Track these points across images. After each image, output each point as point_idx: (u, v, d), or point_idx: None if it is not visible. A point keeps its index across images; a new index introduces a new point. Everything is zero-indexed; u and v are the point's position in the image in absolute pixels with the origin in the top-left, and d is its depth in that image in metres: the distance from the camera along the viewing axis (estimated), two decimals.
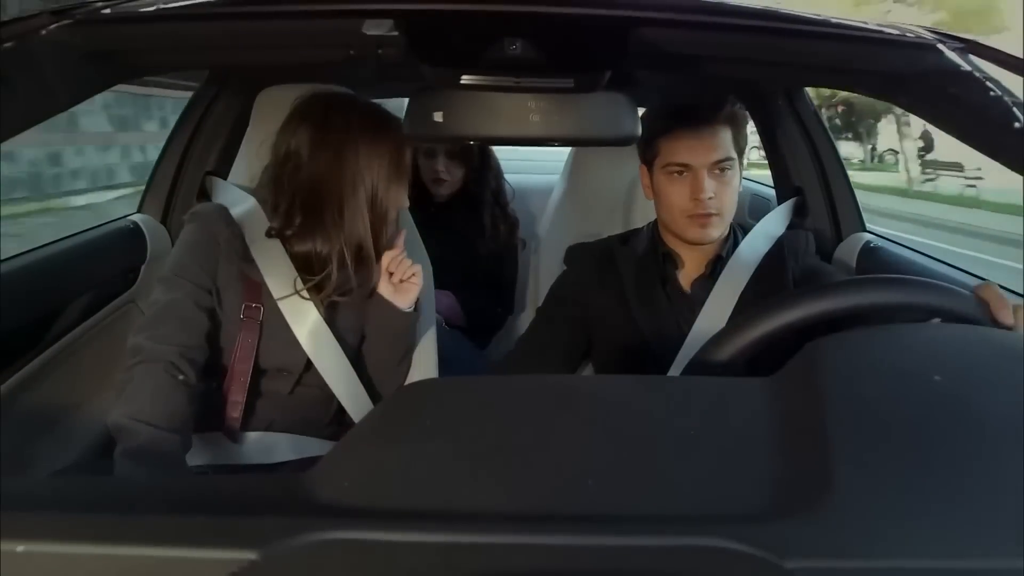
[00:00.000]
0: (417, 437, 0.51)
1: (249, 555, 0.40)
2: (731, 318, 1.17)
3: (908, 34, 0.79)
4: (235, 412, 1.13)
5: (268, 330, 1.13)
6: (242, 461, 1.13)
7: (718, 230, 1.21)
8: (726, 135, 1.21)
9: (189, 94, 1.73)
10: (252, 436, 1.15)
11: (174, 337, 1.06)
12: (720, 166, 1.19)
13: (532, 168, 2.68)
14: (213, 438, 1.13)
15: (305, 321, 1.14)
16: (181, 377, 1.04)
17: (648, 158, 1.25)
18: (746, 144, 1.26)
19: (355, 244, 1.16)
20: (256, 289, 1.13)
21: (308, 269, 1.15)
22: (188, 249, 1.13)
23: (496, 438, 0.50)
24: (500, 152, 2.11)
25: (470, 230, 1.93)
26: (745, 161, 1.27)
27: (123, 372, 1.05)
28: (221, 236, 1.13)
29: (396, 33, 0.79)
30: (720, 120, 1.20)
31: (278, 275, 1.13)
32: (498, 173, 2.03)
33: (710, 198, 1.18)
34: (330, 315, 1.17)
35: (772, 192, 1.90)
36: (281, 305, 1.13)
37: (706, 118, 1.20)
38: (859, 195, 1.66)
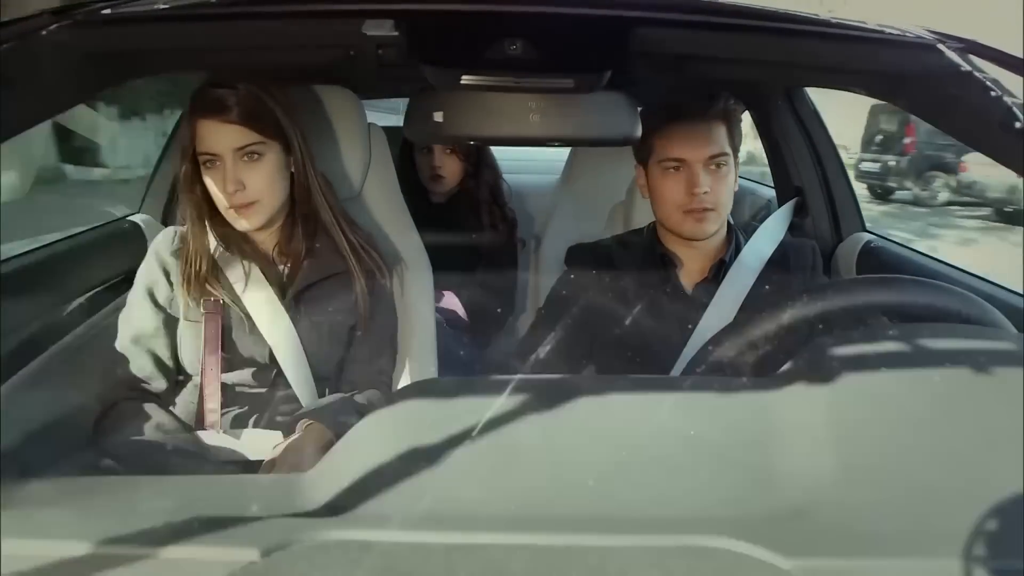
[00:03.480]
0: (416, 438, 0.51)
1: (249, 555, 0.40)
2: (733, 320, 1.17)
3: (908, 34, 0.79)
4: (212, 403, 1.15)
5: (230, 321, 1.16)
6: (230, 458, 1.13)
7: (714, 225, 1.21)
8: (720, 130, 1.20)
9: None
10: (241, 432, 1.15)
11: (142, 372, 1.15)
12: (715, 161, 1.19)
13: (532, 168, 2.68)
14: (204, 436, 1.14)
15: (264, 311, 1.16)
16: (155, 401, 1.14)
17: (643, 156, 1.25)
18: (740, 142, 1.26)
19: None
20: (215, 285, 1.16)
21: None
22: (140, 278, 1.20)
23: (496, 438, 0.50)
24: (500, 152, 2.10)
25: (469, 229, 1.93)
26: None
27: (103, 408, 1.13)
28: (167, 257, 1.19)
29: (396, 34, 0.79)
30: (714, 115, 1.20)
31: (236, 269, 1.17)
32: (495, 171, 2.02)
33: (705, 192, 1.18)
34: (293, 305, 1.18)
35: (761, 188, 1.90)
36: (241, 294, 1.16)
37: (700, 113, 1.20)
38: None
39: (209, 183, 1.13)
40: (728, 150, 1.21)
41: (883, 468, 0.47)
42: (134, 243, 1.55)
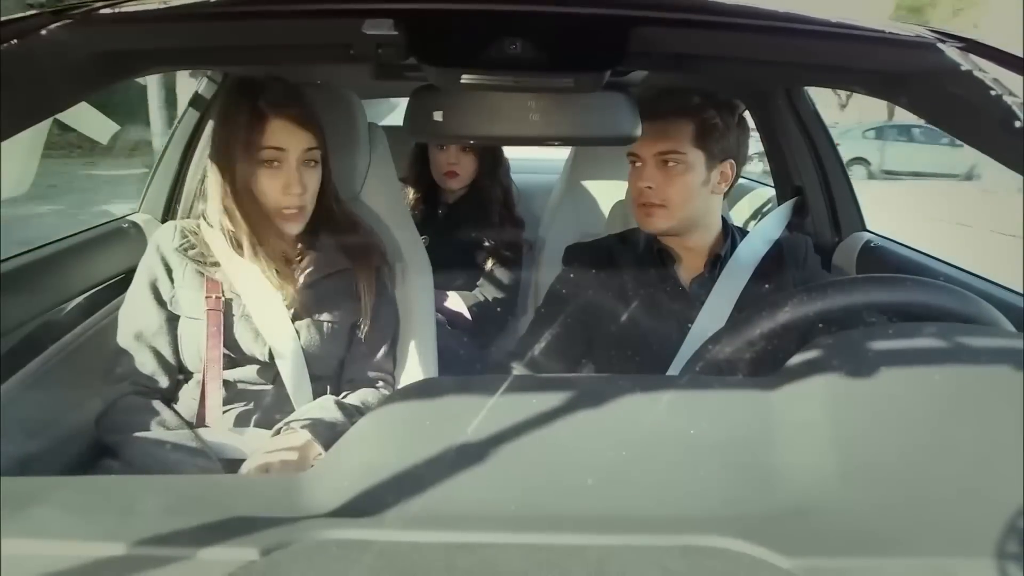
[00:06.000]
0: (417, 437, 0.51)
1: (248, 555, 0.40)
2: (730, 317, 1.18)
3: (908, 34, 0.79)
4: (215, 400, 1.14)
5: (231, 317, 1.16)
6: (232, 456, 1.13)
7: (663, 221, 1.21)
8: (681, 128, 1.19)
9: None
10: (244, 431, 1.15)
11: (144, 369, 1.15)
12: (664, 157, 1.19)
13: (533, 168, 2.68)
14: (206, 433, 1.14)
15: (266, 307, 1.16)
16: (158, 397, 1.14)
17: None
18: (728, 143, 1.23)
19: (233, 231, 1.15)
20: (216, 282, 1.16)
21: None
22: (140, 275, 1.19)
23: (496, 438, 0.50)
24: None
25: (477, 231, 1.93)
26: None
27: (105, 404, 1.13)
28: (169, 254, 1.18)
29: (396, 33, 0.79)
30: (671, 113, 1.19)
31: (241, 266, 1.17)
32: (508, 173, 2.02)
33: (649, 187, 1.19)
34: (294, 301, 1.18)
35: (754, 184, 1.90)
36: (244, 292, 1.16)
37: (654, 108, 1.18)
38: None
39: (265, 182, 1.12)
40: (686, 149, 1.19)
41: (883, 468, 0.47)
42: (134, 243, 1.55)
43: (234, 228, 1.14)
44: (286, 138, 1.11)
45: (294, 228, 1.16)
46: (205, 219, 1.19)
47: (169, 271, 1.17)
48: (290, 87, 1.14)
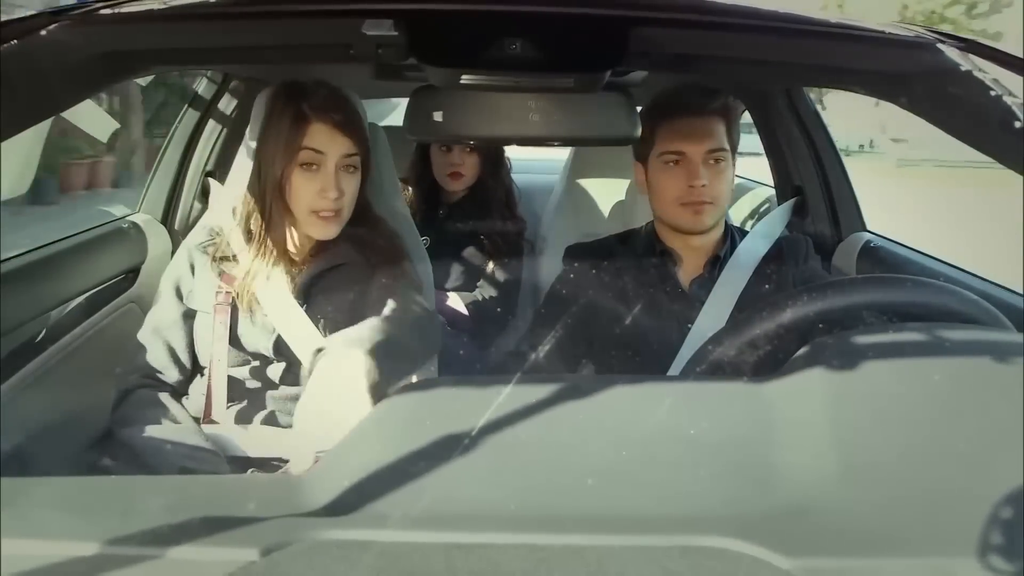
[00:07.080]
0: (417, 437, 0.51)
1: (248, 555, 0.40)
2: (731, 318, 1.18)
3: (908, 34, 0.79)
4: (220, 396, 1.15)
5: (239, 312, 1.16)
6: (233, 453, 1.13)
7: (712, 218, 1.22)
8: (719, 126, 1.22)
9: None
10: (246, 427, 1.15)
11: (157, 362, 1.16)
12: (714, 156, 1.20)
13: (533, 168, 2.68)
14: (209, 429, 1.14)
15: (275, 303, 1.16)
16: (169, 391, 1.15)
17: (643, 152, 1.26)
18: (739, 141, 1.26)
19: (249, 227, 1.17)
20: (231, 277, 1.17)
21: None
22: (168, 270, 1.22)
23: (496, 438, 0.50)
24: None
25: (478, 232, 1.93)
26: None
27: (119, 394, 1.13)
28: (194, 251, 1.21)
29: (396, 33, 0.79)
30: (713, 111, 1.21)
31: (253, 263, 1.17)
32: (509, 174, 2.03)
33: (703, 185, 1.19)
34: (306, 295, 1.18)
35: (754, 184, 1.90)
36: (256, 288, 1.16)
37: (699, 108, 1.21)
38: None
39: (301, 183, 1.12)
40: (726, 146, 1.22)
41: (883, 467, 0.47)
42: (134, 243, 1.55)
43: (259, 227, 1.15)
44: (326, 142, 1.12)
45: (329, 232, 1.16)
46: (232, 216, 1.21)
47: (192, 267, 1.19)
48: (334, 92, 1.15)
